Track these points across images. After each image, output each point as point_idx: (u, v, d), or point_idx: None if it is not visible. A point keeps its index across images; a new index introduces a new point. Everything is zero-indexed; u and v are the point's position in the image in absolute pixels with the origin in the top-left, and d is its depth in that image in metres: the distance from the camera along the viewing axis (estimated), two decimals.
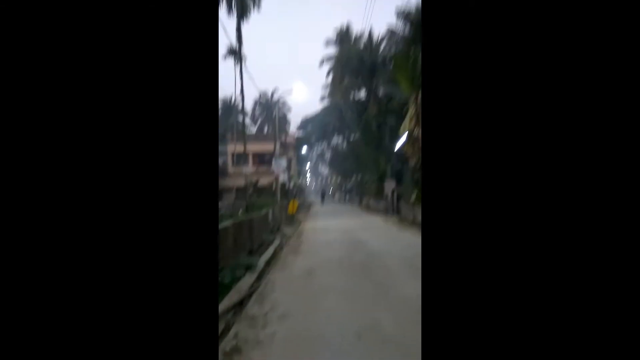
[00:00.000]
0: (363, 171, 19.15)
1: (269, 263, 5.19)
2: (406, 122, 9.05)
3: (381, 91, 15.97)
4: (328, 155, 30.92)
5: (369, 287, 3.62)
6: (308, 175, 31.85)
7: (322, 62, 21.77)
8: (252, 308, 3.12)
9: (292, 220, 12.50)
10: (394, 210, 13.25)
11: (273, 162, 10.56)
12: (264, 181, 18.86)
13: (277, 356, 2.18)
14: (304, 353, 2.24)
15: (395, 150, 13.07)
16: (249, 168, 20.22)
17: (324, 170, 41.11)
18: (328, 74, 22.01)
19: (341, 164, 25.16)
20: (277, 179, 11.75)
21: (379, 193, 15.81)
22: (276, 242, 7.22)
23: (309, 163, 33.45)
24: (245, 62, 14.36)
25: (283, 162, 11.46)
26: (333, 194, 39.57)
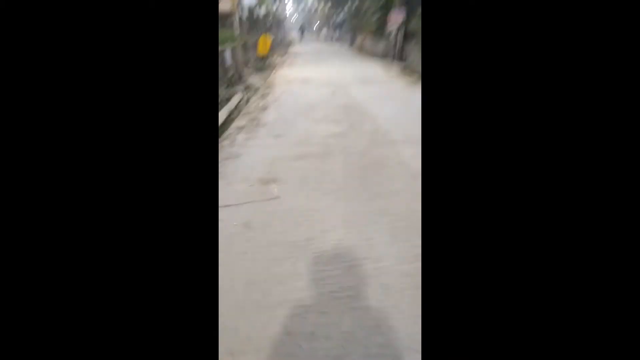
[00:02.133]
0: None
1: None
2: None
3: None
4: None
5: (389, 246, 1.65)
6: (288, 1, 24.45)
7: None
8: None
9: (262, 65, 9.34)
10: (395, 54, 10.09)
11: None
12: (226, 5, 13.67)
13: None
14: None
15: None
16: None
17: None
18: None
19: None
20: None
21: (380, 29, 11.92)
22: (232, 102, 4.76)
23: None
24: None
25: None
26: (319, 30, 32.78)
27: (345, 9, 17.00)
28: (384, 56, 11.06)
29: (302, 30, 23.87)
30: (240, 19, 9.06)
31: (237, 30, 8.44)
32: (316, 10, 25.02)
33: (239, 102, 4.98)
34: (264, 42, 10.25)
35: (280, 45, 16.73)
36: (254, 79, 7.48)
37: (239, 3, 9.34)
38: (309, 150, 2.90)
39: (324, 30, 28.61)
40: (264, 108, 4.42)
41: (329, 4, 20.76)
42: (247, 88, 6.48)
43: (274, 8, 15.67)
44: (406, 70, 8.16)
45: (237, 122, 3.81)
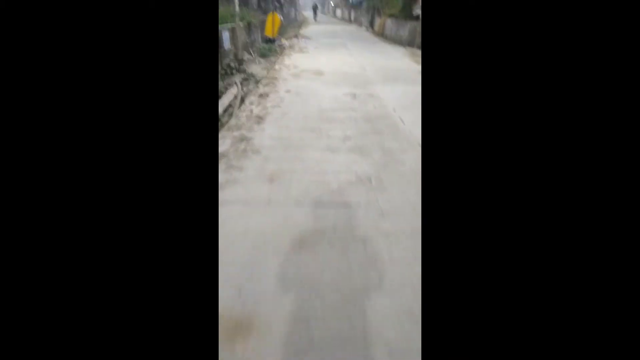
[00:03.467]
0: None
1: None
2: None
3: None
4: None
5: None
6: None
7: None
8: None
9: (268, 49, 7.98)
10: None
11: None
12: None
13: None
14: None
15: None
16: None
17: None
18: None
19: None
20: None
21: (406, 10, 10.30)
22: (222, 102, 3.55)
23: None
24: None
25: None
26: (334, 10, 30.56)
27: None
28: (409, 43, 9.54)
29: (315, 9, 21.94)
30: None
31: (238, 8, 7.07)
32: None
33: (231, 101, 3.76)
34: (272, 21, 8.82)
35: (292, 24, 15.15)
36: (256, 68, 6.18)
37: None
38: (323, 222, 1.69)
39: (340, 10, 26.51)
40: (260, 118, 3.19)
41: None
42: (246, 80, 5.22)
43: None
44: None
45: (222, 142, 2.61)
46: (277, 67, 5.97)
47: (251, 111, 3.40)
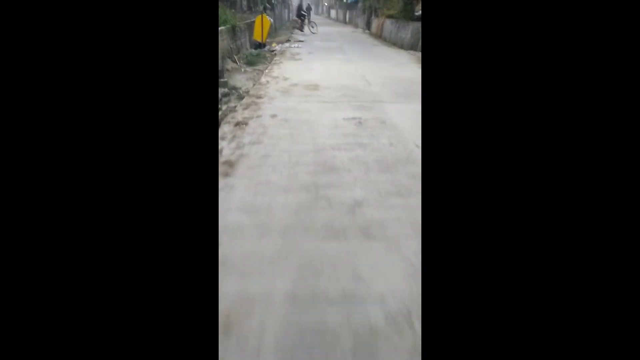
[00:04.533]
0: None
1: None
2: None
3: None
4: None
5: None
6: None
7: None
8: None
9: (256, 55, 7.04)
10: None
11: None
12: None
13: None
14: None
15: None
16: None
17: None
18: None
19: None
20: None
21: (407, 10, 9.41)
22: None
23: None
24: None
25: None
26: (328, 10, 29.66)
27: None
28: (412, 47, 8.64)
29: (308, 10, 20.98)
30: None
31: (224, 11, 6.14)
32: None
33: None
34: (260, 24, 7.88)
35: (283, 28, 14.23)
36: (240, 79, 5.25)
37: None
38: None
39: (334, 11, 25.59)
40: (230, 166, 2.24)
41: None
42: (227, 95, 4.29)
43: None
44: None
45: None
46: (263, 79, 5.02)
47: (220, 151, 2.45)
